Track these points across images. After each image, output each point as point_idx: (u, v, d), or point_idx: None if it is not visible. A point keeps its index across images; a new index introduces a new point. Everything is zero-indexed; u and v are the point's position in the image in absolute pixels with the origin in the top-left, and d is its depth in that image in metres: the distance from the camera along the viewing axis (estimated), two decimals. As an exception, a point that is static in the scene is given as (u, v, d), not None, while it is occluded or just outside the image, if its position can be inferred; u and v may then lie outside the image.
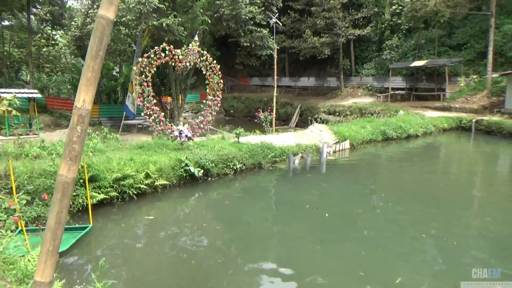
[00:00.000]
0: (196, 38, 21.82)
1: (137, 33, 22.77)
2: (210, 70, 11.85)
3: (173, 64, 11.36)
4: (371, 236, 7.43)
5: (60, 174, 2.03)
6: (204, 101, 12.44)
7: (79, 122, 1.97)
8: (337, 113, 31.05)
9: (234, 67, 43.27)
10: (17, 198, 5.83)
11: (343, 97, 36.61)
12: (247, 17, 22.09)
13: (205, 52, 11.68)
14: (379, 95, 32.93)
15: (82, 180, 8.01)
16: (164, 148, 11.54)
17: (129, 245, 6.98)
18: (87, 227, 7.00)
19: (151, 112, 11.01)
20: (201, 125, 11.76)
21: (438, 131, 22.35)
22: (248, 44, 22.82)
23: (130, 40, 30.25)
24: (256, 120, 16.90)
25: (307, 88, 43.03)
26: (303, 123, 36.06)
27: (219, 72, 12.10)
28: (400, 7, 34.16)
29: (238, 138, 13.05)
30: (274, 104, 17.39)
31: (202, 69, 11.83)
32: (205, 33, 24.71)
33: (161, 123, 11.13)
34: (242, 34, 22.88)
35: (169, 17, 19.18)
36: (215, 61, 12.02)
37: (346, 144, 16.19)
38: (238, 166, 11.48)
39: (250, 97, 45.39)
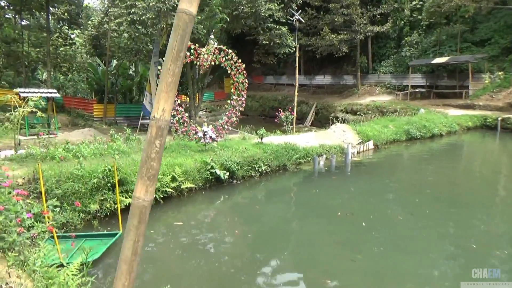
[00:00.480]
0: (212, 36, 21.59)
1: (154, 32, 22.59)
2: (235, 69, 11.53)
3: (198, 63, 11.07)
4: (412, 247, 7.03)
5: (136, 197, 1.74)
6: (228, 101, 12.14)
7: (157, 136, 1.68)
8: (358, 112, 30.53)
9: (251, 65, 42.98)
10: (48, 205, 5.60)
11: (360, 95, 35.98)
12: (266, 15, 21.74)
13: (230, 51, 11.37)
14: (398, 93, 32.26)
15: (110, 184, 7.79)
16: (187, 149, 11.29)
17: (159, 252, 6.73)
18: (117, 233, 6.75)
19: (175, 113, 10.75)
20: (225, 126, 11.47)
21: (463, 130, 21.71)
22: (267, 42, 22.43)
23: (147, 39, 30.19)
24: (276, 120, 16.52)
25: (322, 86, 42.42)
26: (319, 122, 35.55)
27: (244, 72, 11.79)
28: (421, 2, 33.38)
29: (261, 139, 12.72)
30: (295, 104, 17.00)
31: (227, 68, 11.53)
32: (222, 31, 24.46)
33: (185, 124, 10.86)
34: (261, 32, 22.54)
35: (188, 16, 18.93)
36: (240, 60, 11.71)
37: (370, 145, 15.75)
38: (263, 168, 11.16)
39: (265, 96, 45.02)
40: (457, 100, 28.04)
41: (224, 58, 11.19)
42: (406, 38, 34.73)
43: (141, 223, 1.71)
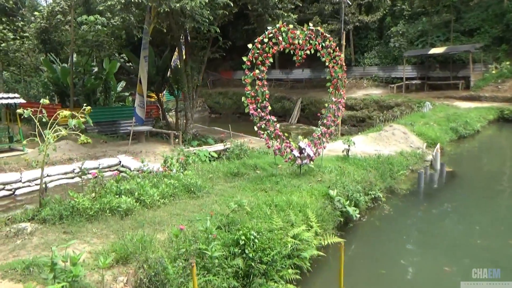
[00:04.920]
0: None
1: (137, 19, 18.51)
2: (333, 60, 8.44)
3: (292, 52, 7.87)
4: None
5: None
6: (326, 105, 8.96)
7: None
8: (355, 107, 28.56)
9: (218, 60, 39.51)
10: None
11: (347, 89, 34.00)
12: (275, 0, 18.75)
13: (328, 36, 8.28)
14: (392, 85, 30.66)
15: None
16: (273, 175, 8.01)
17: None
18: None
19: (265, 125, 7.42)
20: (324, 139, 8.35)
21: (488, 124, 20.30)
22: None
23: (117, 32, 25.68)
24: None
25: (301, 80, 39.91)
26: (306, 119, 33.20)
27: (343, 64, 8.70)
28: (406, -9, 32.11)
29: (347, 152, 9.74)
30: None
31: (324, 58, 8.39)
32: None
33: (279, 140, 7.59)
34: (269, 19, 19.42)
35: (193, -1, 15.30)
36: (337, 48, 8.62)
37: (438, 148, 13.39)
38: (378, 194, 8.22)
39: (239, 92, 41.64)
40: (458, 92, 26.96)
41: (321, 45, 8.07)
42: (391, 29, 33.27)
43: None
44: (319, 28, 8.04)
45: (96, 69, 27.51)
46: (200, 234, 4.41)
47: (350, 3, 18.11)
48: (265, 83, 7.54)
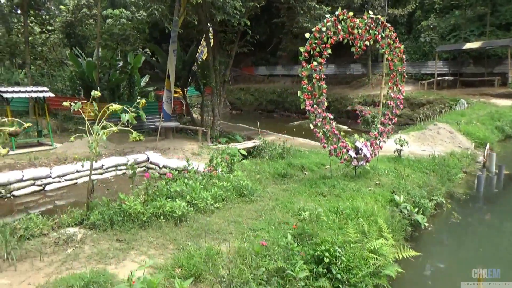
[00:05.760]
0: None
1: (164, 12, 18.00)
2: (393, 52, 7.73)
3: (351, 42, 7.22)
4: None
5: None
6: (383, 101, 8.28)
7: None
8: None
9: (240, 55, 38.86)
10: None
11: (373, 85, 33.03)
12: (309, -9, 18.00)
13: (388, 25, 7.58)
14: (423, 82, 29.50)
15: None
16: (326, 178, 7.38)
17: None
18: None
19: (321, 123, 6.78)
20: (380, 138, 7.68)
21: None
22: (308, 25, 18.60)
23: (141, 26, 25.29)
24: (358, 121, 12.79)
25: (324, 76, 38.70)
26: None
27: (403, 56, 7.97)
28: (434, -16, 30.84)
29: (399, 152, 9.02)
30: (381, 98, 13.43)
31: (383, 50, 7.68)
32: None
33: (335, 139, 6.96)
34: (301, 12, 18.68)
35: (226, -11, 14.73)
36: (397, 39, 7.90)
37: (487, 149, 12.52)
38: (441, 199, 7.50)
39: (261, 89, 40.99)
40: (494, 89, 25.72)
41: (380, 35, 7.37)
42: (422, 23, 32.07)
43: None
44: (378, 16, 7.33)
45: (121, 63, 27.25)
46: (275, 248, 3.84)
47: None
48: (323, 76, 6.90)
